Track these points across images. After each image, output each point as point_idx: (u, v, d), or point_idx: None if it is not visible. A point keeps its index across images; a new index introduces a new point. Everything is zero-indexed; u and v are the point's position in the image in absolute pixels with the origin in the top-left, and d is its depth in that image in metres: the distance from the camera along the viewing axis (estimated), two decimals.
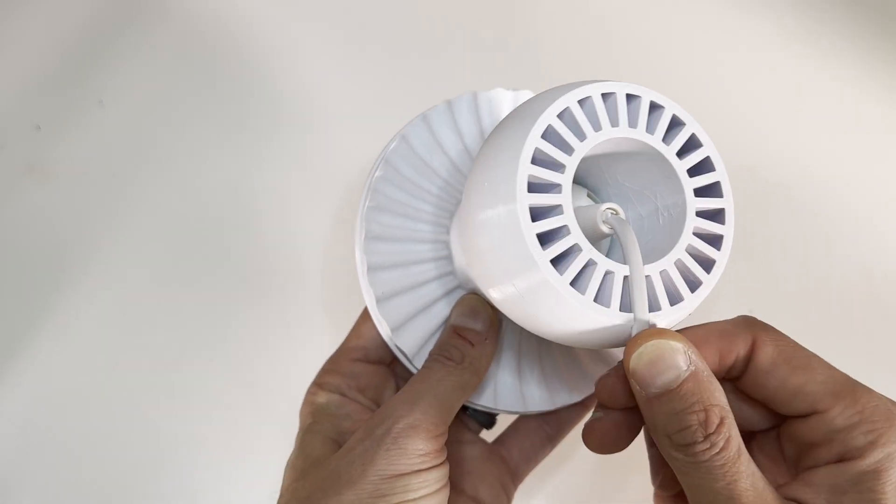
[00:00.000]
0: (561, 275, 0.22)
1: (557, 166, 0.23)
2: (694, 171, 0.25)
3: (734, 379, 0.24)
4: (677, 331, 0.23)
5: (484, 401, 0.31)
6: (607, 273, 0.23)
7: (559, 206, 0.23)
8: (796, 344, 0.23)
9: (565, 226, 0.23)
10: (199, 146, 0.47)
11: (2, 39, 0.50)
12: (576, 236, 0.23)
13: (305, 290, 0.43)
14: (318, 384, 0.31)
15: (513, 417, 0.34)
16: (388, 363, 0.33)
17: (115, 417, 0.41)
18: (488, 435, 0.34)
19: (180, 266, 0.44)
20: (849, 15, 0.48)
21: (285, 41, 0.50)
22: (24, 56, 0.49)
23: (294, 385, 0.33)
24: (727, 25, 0.49)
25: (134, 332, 0.43)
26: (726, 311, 0.42)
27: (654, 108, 0.25)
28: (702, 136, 0.25)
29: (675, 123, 0.25)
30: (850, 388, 0.21)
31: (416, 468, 0.25)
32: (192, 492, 0.40)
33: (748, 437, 0.25)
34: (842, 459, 0.21)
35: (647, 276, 0.23)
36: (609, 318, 0.23)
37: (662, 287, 0.24)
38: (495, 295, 0.25)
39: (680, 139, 0.25)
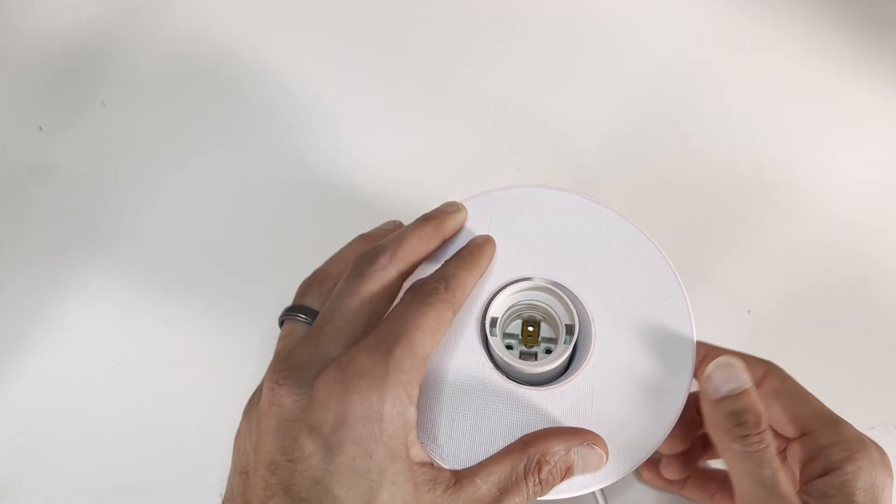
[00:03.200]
0: None
1: None
2: None
3: None
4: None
5: None
6: None
7: None
8: (795, 381, 0.31)
9: None
10: (200, 146, 0.47)
11: (4, 40, 0.50)
12: None
13: None
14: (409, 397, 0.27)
15: None
16: None
17: (115, 418, 0.41)
18: None
19: (182, 266, 0.44)
20: (843, 13, 0.48)
21: (286, 41, 0.50)
22: (27, 57, 0.50)
23: None
24: (720, 26, 0.49)
25: (135, 333, 0.43)
26: (726, 311, 0.42)
27: None
28: None
29: None
30: (832, 418, 0.29)
31: None
32: (192, 492, 0.40)
33: None
34: (826, 472, 0.28)
35: None
36: None
37: None
38: None
39: None
